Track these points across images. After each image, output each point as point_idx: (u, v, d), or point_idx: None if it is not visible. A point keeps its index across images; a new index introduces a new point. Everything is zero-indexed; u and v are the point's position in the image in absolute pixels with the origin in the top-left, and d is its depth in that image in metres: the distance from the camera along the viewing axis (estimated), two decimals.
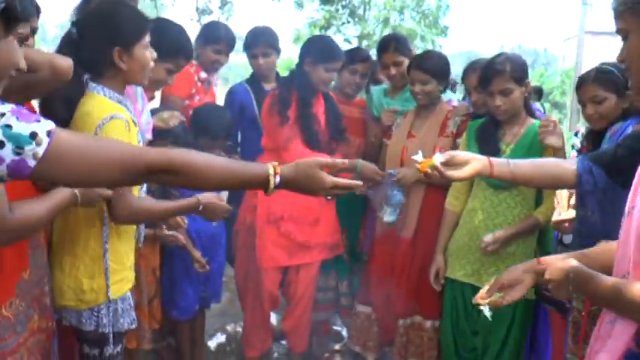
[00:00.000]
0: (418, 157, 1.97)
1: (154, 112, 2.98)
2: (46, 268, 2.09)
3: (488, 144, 2.87)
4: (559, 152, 2.64)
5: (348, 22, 13.43)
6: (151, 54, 2.18)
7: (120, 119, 2.06)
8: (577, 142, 2.84)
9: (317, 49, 3.36)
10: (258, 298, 3.42)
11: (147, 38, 2.15)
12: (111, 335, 2.18)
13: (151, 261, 3.10)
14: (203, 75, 3.52)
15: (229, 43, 3.55)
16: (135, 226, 2.31)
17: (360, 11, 16.01)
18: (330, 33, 15.15)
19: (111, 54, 2.08)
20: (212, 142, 3.20)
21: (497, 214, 2.87)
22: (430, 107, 3.29)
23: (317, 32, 16.37)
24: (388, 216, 3.18)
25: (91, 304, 2.15)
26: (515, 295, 1.69)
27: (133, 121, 2.16)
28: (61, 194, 1.89)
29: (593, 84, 2.63)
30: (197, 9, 13.19)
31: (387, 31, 18.55)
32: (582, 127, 3.05)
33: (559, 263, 1.57)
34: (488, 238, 2.79)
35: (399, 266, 3.26)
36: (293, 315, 3.50)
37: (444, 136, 3.22)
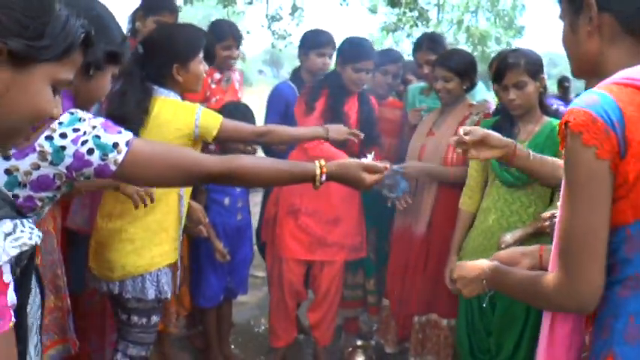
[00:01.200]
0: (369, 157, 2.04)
1: None
2: (57, 254, 2.28)
3: None
4: None
5: (417, 25, 13.31)
6: (204, 67, 2.57)
7: (204, 107, 2.53)
8: None
9: (346, 49, 3.43)
10: (281, 290, 3.51)
11: (201, 54, 2.55)
12: (158, 304, 2.51)
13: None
14: (217, 76, 3.63)
15: (236, 36, 3.65)
16: (186, 209, 2.62)
17: (432, 13, 15.83)
18: (399, 36, 15.10)
19: (171, 69, 2.49)
20: None
21: (511, 212, 2.81)
22: (452, 106, 3.29)
23: (388, 36, 16.36)
24: (392, 193, 3.24)
25: (152, 269, 2.45)
26: None
27: None
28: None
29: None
30: (267, 15, 13.45)
31: (460, 34, 18.28)
32: None
33: (472, 263, 1.65)
34: (507, 237, 2.72)
35: (413, 263, 3.28)
36: (317, 309, 3.57)
37: None
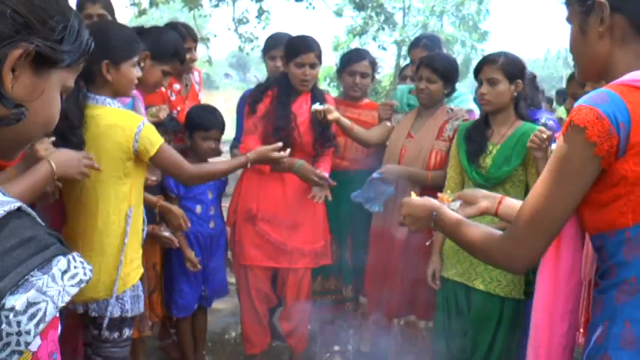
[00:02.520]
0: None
1: None
2: None
3: (474, 143, 2.90)
4: (540, 162, 2.68)
5: (383, 28, 13.44)
6: (137, 72, 2.42)
7: (148, 123, 2.41)
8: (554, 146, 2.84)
9: (287, 46, 3.38)
10: (250, 297, 3.47)
11: (136, 59, 2.41)
12: (130, 318, 2.46)
13: (151, 256, 3.23)
14: (177, 87, 3.54)
15: (193, 38, 3.58)
16: (141, 222, 2.54)
17: (398, 17, 15.99)
18: (365, 39, 15.22)
19: (100, 66, 2.32)
20: (205, 133, 3.28)
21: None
22: (431, 109, 3.30)
23: (355, 39, 16.45)
24: (374, 207, 3.22)
25: (119, 292, 2.40)
26: (468, 212, 1.83)
27: None
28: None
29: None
30: (233, 19, 13.41)
31: None
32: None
33: (421, 201, 1.76)
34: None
35: (393, 266, 3.28)
36: (289, 317, 3.54)
37: (441, 139, 3.23)
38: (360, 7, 12.64)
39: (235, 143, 3.80)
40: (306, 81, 3.33)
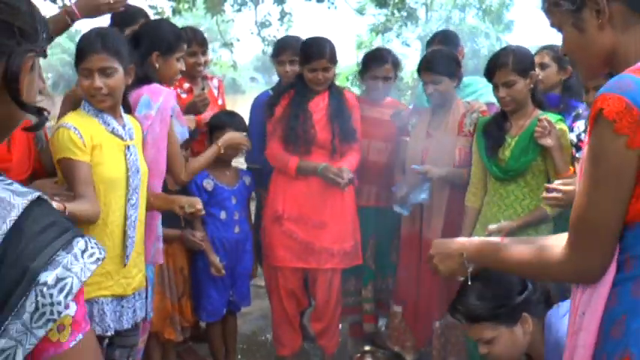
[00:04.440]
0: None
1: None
2: None
3: (492, 137, 2.91)
4: (556, 152, 2.71)
5: (406, 24, 13.36)
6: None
7: (65, 128, 2.29)
8: (573, 137, 2.81)
9: (301, 51, 3.43)
10: (280, 299, 3.49)
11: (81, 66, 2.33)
12: None
13: (178, 260, 3.30)
14: (186, 85, 3.58)
15: (200, 42, 3.60)
16: (112, 237, 2.37)
17: (420, 12, 15.87)
18: (388, 37, 15.12)
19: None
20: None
21: (506, 206, 2.87)
22: (446, 105, 3.29)
23: (377, 37, 16.38)
24: (400, 209, 3.21)
25: None
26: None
27: (112, 133, 2.38)
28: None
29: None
30: (256, 22, 13.46)
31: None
32: (579, 123, 3.00)
33: (449, 240, 1.69)
34: (492, 227, 2.79)
35: (427, 268, 3.26)
36: (320, 318, 3.54)
37: (462, 135, 3.23)
38: (381, 4, 12.55)
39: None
40: (321, 84, 3.38)
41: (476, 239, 1.63)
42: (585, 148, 1.28)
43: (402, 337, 3.49)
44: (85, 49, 2.31)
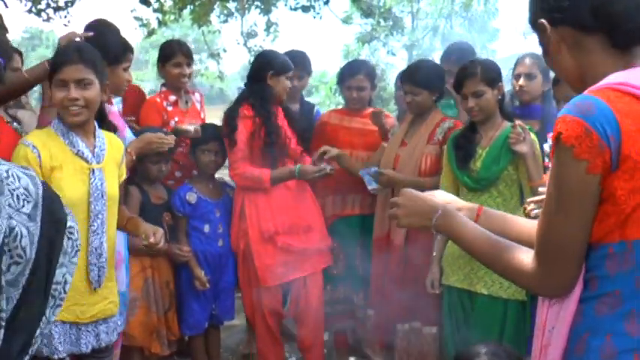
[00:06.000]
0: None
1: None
2: None
3: (463, 149, 2.95)
4: (530, 160, 2.74)
5: (392, 33, 13.44)
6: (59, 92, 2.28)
7: (23, 145, 2.25)
8: (547, 147, 2.84)
9: (276, 63, 3.46)
10: (264, 318, 3.44)
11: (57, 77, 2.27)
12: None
13: (163, 274, 3.31)
14: (172, 98, 3.59)
15: (185, 54, 3.61)
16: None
17: (406, 21, 15.97)
18: (375, 46, 15.19)
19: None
20: (205, 146, 3.40)
21: None
22: (424, 116, 3.34)
23: (364, 47, 16.44)
24: (371, 185, 3.29)
25: None
26: None
27: (76, 155, 2.30)
28: None
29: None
30: (242, 33, 13.49)
31: (436, 39, 18.39)
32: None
33: (424, 195, 1.54)
34: None
35: (393, 271, 3.30)
36: (309, 332, 3.52)
37: (431, 143, 3.27)
38: (367, 14, 12.63)
39: None
40: (291, 92, 3.54)
41: (452, 207, 1.51)
42: (550, 168, 1.28)
43: (373, 341, 3.51)
44: (60, 60, 2.25)
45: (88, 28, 2.95)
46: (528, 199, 2.51)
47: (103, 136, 2.40)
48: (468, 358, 1.81)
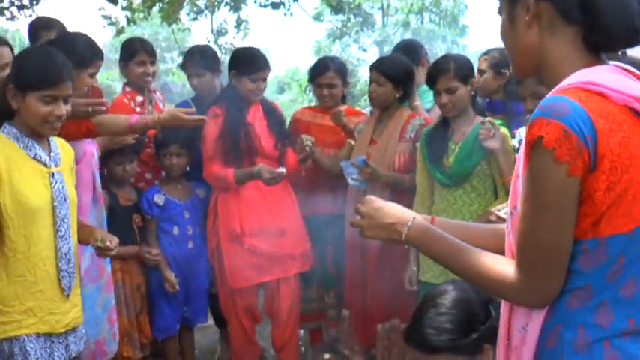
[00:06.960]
0: None
1: None
2: None
3: (436, 144, 2.94)
4: (501, 155, 2.74)
5: (363, 29, 13.48)
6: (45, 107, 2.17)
7: None
8: (515, 143, 2.85)
9: (236, 62, 3.40)
10: (238, 318, 3.41)
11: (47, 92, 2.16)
12: None
13: (134, 277, 3.27)
14: (139, 98, 3.53)
15: (148, 52, 3.54)
16: (35, 271, 2.18)
17: (377, 17, 16.03)
18: (346, 42, 15.24)
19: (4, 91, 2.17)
20: (165, 150, 3.35)
21: (455, 212, 2.88)
22: (390, 112, 3.30)
23: (335, 43, 16.48)
24: (359, 184, 3.16)
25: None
26: None
27: (34, 158, 2.19)
28: None
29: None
30: (212, 30, 13.39)
31: (407, 35, 18.47)
32: (521, 130, 3.05)
33: (390, 207, 1.46)
34: None
35: (371, 271, 3.27)
36: (282, 331, 3.49)
37: (403, 141, 3.24)
38: (337, 10, 12.64)
39: None
40: (259, 94, 3.42)
41: (420, 219, 1.43)
42: (522, 171, 1.23)
43: (351, 341, 3.50)
44: (56, 76, 2.16)
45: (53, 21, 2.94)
46: (493, 210, 2.46)
47: (54, 140, 2.33)
48: (436, 295, 1.78)
